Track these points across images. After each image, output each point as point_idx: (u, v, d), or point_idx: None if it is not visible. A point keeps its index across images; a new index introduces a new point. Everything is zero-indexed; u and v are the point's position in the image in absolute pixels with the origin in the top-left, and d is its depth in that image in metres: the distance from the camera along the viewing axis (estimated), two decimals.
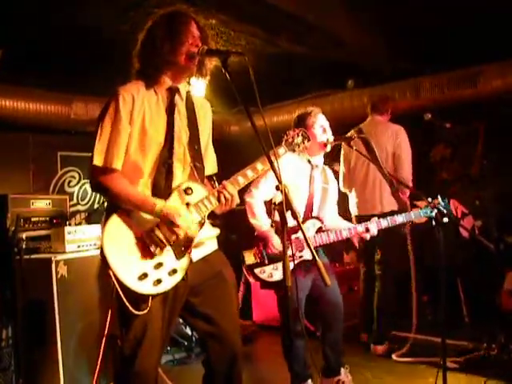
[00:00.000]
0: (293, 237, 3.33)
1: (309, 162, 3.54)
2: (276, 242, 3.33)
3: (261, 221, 3.40)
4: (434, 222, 3.14)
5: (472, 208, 5.23)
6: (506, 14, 4.44)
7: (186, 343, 4.71)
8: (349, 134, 4.12)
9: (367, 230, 3.41)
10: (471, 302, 5.14)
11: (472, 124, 5.65)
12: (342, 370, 3.65)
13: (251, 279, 3.43)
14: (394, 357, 4.30)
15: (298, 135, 2.63)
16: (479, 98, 5.18)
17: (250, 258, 3.40)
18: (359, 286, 5.52)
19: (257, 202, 3.41)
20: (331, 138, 3.48)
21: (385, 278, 4.53)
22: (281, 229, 1.98)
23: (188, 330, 4.72)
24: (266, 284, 3.39)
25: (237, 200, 2.38)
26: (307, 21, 4.52)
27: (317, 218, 3.49)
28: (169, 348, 4.56)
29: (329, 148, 3.53)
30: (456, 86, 5.23)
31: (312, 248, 1.92)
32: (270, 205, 3.45)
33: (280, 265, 3.28)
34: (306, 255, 3.39)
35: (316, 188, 3.56)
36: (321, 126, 3.52)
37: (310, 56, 5.37)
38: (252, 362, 4.58)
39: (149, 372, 2.27)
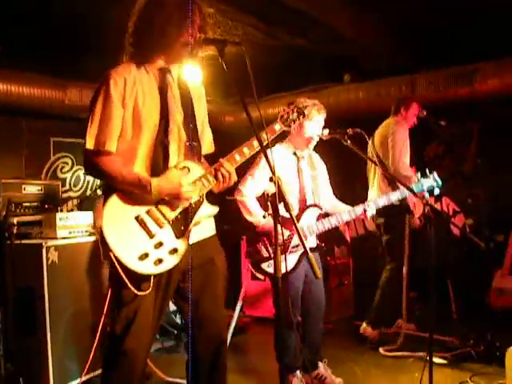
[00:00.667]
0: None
1: (294, 154, 3.55)
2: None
3: (258, 216, 3.39)
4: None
5: (464, 206, 5.26)
6: (503, 12, 4.45)
7: (175, 332, 4.72)
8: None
9: (365, 211, 3.47)
10: (460, 299, 5.18)
11: (467, 122, 5.68)
12: (320, 363, 3.70)
13: (260, 276, 3.41)
14: (381, 351, 4.33)
15: (293, 111, 2.61)
16: (475, 96, 5.20)
17: (255, 254, 3.40)
18: (349, 279, 5.56)
19: (249, 199, 3.41)
20: (325, 133, 3.46)
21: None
22: (273, 220, 1.97)
23: (177, 319, 4.73)
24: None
25: (234, 177, 2.38)
26: (306, 14, 4.50)
27: (314, 205, 3.49)
28: (158, 336, 4.56)
29: (312, 145, 3.54)
30: (452, 83, 5.24)
31: (304, 241, 1.92)
32: (264, 198, 3.46)
33: (286, 256, 3.27)
34: (310, 243, 3.43)
35: (305, 178, 3.57)
36: (317, 123, 3.52)
37: (308, 49, 5.36)
38: (242, 353, 4.60)
39: (137, 353, 2.27)
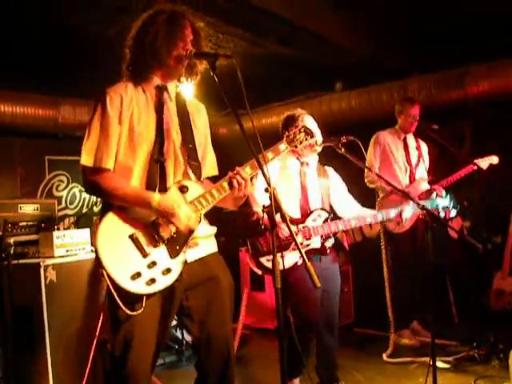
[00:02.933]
0: (300, 226, 3.33)
1: (297, 159, 3.55)
2: (284, 228, 3.26)
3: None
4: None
5: (461, 209, 5.26)
6: (493, 15, 4.49)
7: (176, 347, 4.69)
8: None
9: (400, 215, 3.46)
10: (460, 303, 5.18)
11: (459, 125, 5.70)
12: None
13: (255, 268, 3.37)
14: (384, 357, 4.31)
15: (300, 131, 2.54)
16: (466, 99, 5.23)
17: (255, 247, 3.36)
18: (349, 287, 5.55)
19: (257, 191, 3.32)
20: (319, 141, 3.47)
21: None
22: (270, 232, 1.97)
23: (179, 334, 4.70)
24: (270, 272, 3.30)
25: (250, 186, 2.34)
26: (295, 23, 4.53)
27: (322, 209, 3.48)
28: None
29: (318, 149, 3.53)
30: (443, 87, 5.27)
31: (301, 248, 1.91)
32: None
33: (286, 253, 3.24)
34: (314, 243, 3.39)
35: (309, 182, 3.54)
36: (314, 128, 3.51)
37: (299, 58, 5.39)
38: (243, 365, 4.57)
39: (140, 374, 2.24)
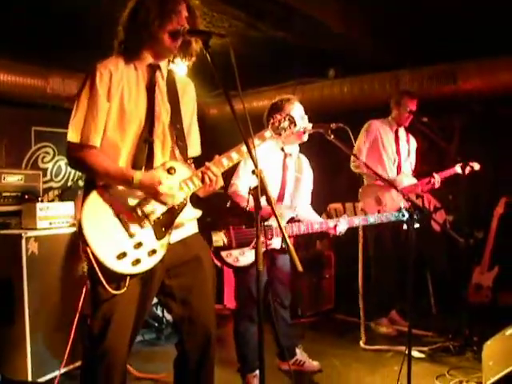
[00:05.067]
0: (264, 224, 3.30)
1: (282, 149, 3.54)
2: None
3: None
4: (405, 226, 3.23)
5: (445, 202, 5.31)
6: (487, 13, 4.49)
7: (156, 324, 4.71)
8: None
9: (335, 227, 3.38)
10: (439, 294, 5.25)
11: (449, 120, 5.72)
12: (297, 350, 3.81)
13: (217, 262, 3.35)
14: (361, 344, 4.36)
15: (284, 119, 2.58)
16: (458, 94, 5.25)
17: (218, 240, 3.34)
18: (331, 273, 5.60)
19: (242, 188, 3.35)
20: (309, 127, 3.46)
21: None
22: (255, 214, 1.97)
23: (159, 312, 4.72)
24: (230, 267, 3.36)
25: (221, 182, 2.36)
26: (291, 6, 4.49)
27: (289, 207, 3.49)
28: None
29: (305, 137, 3.53)
30: (435, 81, 5.28)
31: (284, 232, 1.91)
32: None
33: (246, 250, 3.26)
34: (275, 244, 3.38)
35: (289, 177, 3.55)
36: (298, 115, 3.49)
37: (293, 43, 5.35)
38: (223, 346, 4.60)
39: (117, 352, 2.25)
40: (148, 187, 2.20)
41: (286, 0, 4.41)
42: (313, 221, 3.46)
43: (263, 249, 3.25)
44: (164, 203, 2.25)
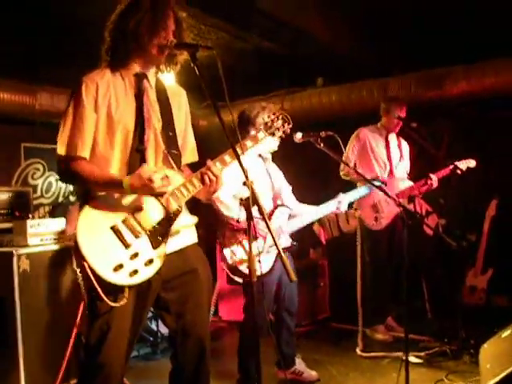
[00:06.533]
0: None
1: (260, 156, 3.57)
2: (260, 228, 3.31)
3: (237, 211, 3.37)
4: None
5: (436, 206, 5.33)
6: (474, 17, 4.53)
7: (151, 339, 4.67)
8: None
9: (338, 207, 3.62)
10: (434, 299, 5.25)
11: (437, 125, 5.75)
12: (296, 359, 3.81)
13: (238, 279, 3.38)
14: (358, 352, 4.35)
15: (277, 118, 2.55)
16: (445, 99, 5.28)
17: (232, 256, 3.38)
18: (325, 281, 5.58)
19: (225, 195, 3.35)
20: (299, 136, 3.46)
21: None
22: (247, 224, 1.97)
23: (153, 326, 4.68)
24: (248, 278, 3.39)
25: (221, 182, 2.34)
26: (278, 18, 4.52)
27: (282, 205, 3.51)
28: None
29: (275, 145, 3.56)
30: (422, 87, 5.32)
31: (278, 243, 1.91)
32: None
33: (263, 256, 3.30)
34: (283, 243, 3.46)
35: (274, 179, 3.61)
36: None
37: (281, 52, 5.38)
38: (219, 358, 4.57)
39: (113, 365, 2.23)
40: (140, 187, 2.15)
41: (273, 11, 4.44)
42: (307, 212, 3.56)
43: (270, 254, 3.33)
44: (162, 194, 2.21)
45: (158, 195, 2.23)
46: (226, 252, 3.38)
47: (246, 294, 3.52)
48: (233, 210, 3.35)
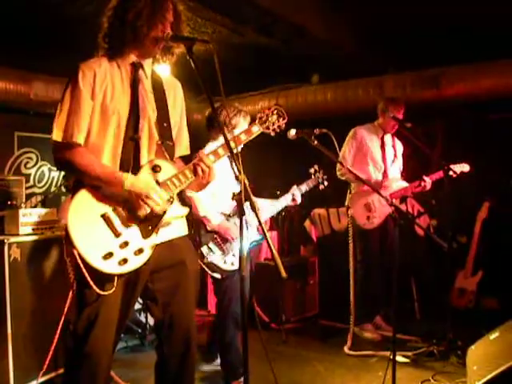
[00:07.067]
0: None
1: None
2: (233, 231, 3.39)
3: (213, 213, 3.42)
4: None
5: (428, 207, 5.35)
6: (470, 18, 4.54)
7: (139, 330, 4.67)
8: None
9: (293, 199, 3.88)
10: (423, 299, 5.28)
11: (432, 126, 5.77)
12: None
13: (216, 275, 3.43)
14: (345, 350, 4.37)
15: (272, 113, 2.55)
16: (440, 99, 5.29)
17: (210, 253, 3.41)
18: (315, 279, 5.59)
19: (203, 195, 3.34)
20: (292, 132, 3.45)
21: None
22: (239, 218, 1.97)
23: (142, 318, 4.68)
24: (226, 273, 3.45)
25: (213, 174, 2.35)
26: (275, 13, 4.51)
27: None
28: (122, 335, 4.50)
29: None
30: (418, 86, 5.33)
31: (271, 244, 1.90)
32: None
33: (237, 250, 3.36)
34: (253, 237, 3.64)
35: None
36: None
37: (277, 48, 5.38)
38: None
39: (100, 354, 2.23)
40: (135, 197, 2.19)
41: (270, 6, 4.43)
42: (268, 204, 3.78)
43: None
44: (151, 208, 2.22)
45: (142, 207, 2.23)
46: (204, 249, 3.41)
47: (219, 290, 3.55)
48: (208, 212, 3.42)
